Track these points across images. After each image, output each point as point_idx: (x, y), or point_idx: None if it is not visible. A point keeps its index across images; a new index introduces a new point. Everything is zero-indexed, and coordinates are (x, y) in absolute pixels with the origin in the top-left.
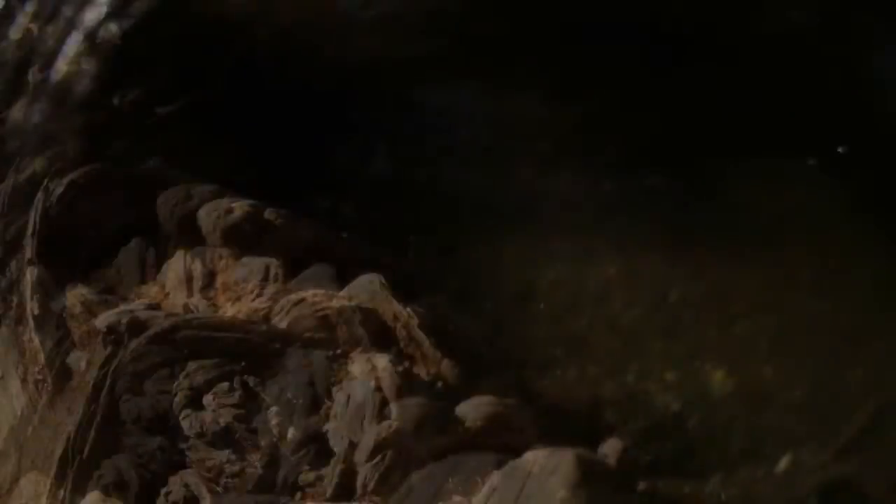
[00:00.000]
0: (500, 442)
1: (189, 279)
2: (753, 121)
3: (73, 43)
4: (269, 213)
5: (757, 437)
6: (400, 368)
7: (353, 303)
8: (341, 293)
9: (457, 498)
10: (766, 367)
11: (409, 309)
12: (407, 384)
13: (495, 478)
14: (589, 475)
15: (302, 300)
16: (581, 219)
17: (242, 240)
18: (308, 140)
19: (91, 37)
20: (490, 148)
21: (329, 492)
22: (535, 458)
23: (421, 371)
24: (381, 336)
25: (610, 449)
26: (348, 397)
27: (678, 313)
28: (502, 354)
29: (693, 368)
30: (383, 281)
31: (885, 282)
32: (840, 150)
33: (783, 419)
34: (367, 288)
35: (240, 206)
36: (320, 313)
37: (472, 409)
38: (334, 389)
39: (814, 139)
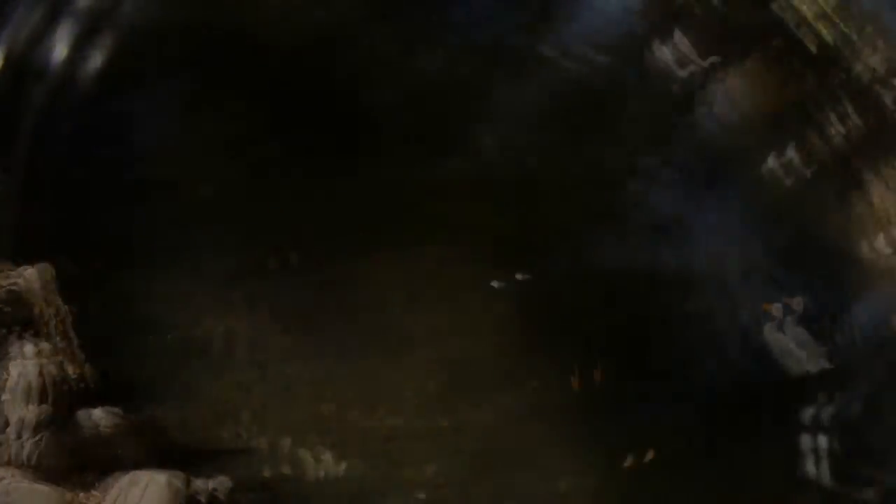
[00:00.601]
0: (125, 452)
1: None
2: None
3: None
4: None
5: None
6: (59, 359)
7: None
8: (27, 273)
9: (94, 492)
10: (381, 461)
11: (67, 307)
12: (62, 377)
13: (123, 482)
14: (196, 501)
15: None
16: (221, 274)
17: None
18: None
19: None
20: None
21: (5, 458)
22: (152, 473)
23: (69, 368)
24: (48, 325)
25: (219, 484)
26: (19, 374)
27: (296, 386)
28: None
29: (305, 442)
30: (54, 273)
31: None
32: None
33: None
34: (41, 276)
35: None
36: (10, 286)
37: (104, 416)
38: (12, 364)
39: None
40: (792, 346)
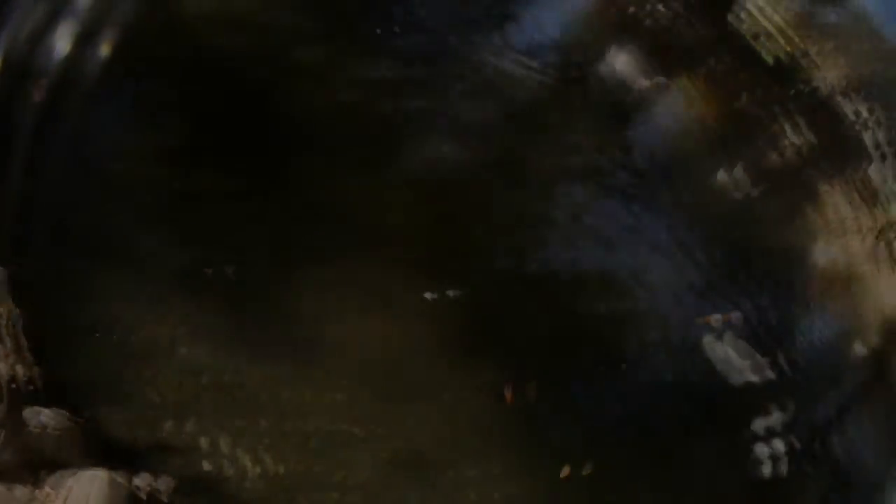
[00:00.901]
0: (72, 451)
1: None
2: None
3: None
4: None
5: None
6: (9, 360)
7: None
8: None
9: (48, 489)
10: (316, 464)
11: (18, 310)
12: (11, 377)
13: (71, 481)
14: (138, 499)
15: None
16: (163, 279)
17: None
18: None
19: None
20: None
21: None
22: (96, 472)
23: (19, 369)
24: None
25: (163, 485)
26: None
27: (232, 391)
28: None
29: (243, 444)
30: (5, 278)
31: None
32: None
33: None
34: None
35: None
36: None
37: (53, 419)
38: None
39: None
40: (732, 356)
